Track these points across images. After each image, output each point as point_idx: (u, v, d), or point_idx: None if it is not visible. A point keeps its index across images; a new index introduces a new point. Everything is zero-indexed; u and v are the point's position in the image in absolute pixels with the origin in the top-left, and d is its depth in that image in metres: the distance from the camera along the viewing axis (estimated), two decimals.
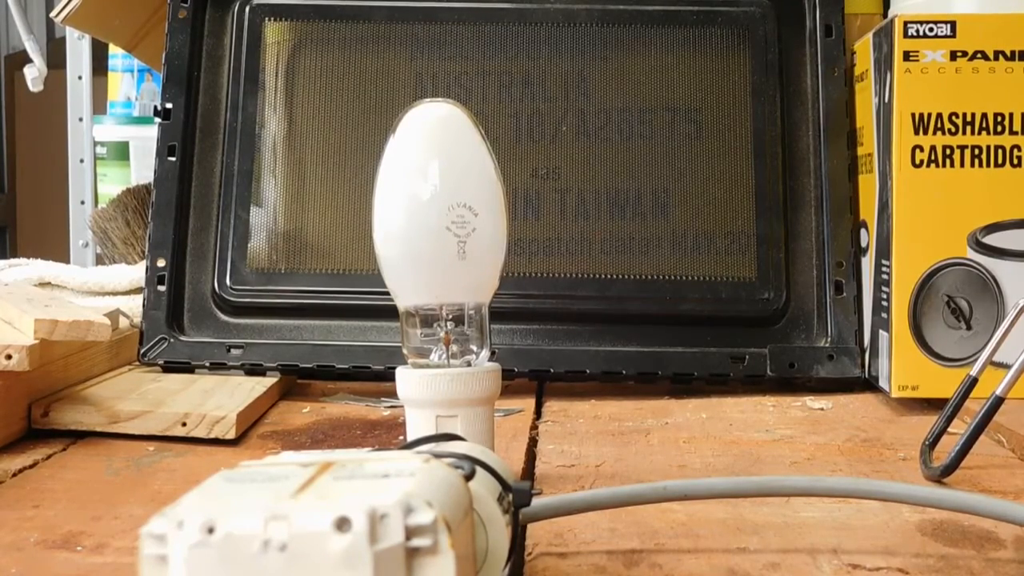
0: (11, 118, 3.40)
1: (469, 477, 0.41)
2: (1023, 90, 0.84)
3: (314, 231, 0.93)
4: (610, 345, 0.91)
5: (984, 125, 0.84)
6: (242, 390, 0.83)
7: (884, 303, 0.86)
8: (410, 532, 0.35)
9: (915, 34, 0.84)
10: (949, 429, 0.69)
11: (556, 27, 0.96)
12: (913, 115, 0.84)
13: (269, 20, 0.97)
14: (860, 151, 0.93)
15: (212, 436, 0.74)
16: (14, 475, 0.66)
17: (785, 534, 0.55)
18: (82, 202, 2.03)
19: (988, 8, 0.90)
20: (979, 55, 0.84)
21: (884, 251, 0.86)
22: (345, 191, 0.94)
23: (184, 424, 0.74)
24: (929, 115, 0.84)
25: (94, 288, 1.07)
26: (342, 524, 0.34)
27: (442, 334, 0.62)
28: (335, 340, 0.92)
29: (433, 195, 0.60)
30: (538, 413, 0.84)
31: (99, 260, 1.37)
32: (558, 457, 0.70)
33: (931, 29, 0.84)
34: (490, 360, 0.63)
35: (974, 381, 0.68)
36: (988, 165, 0.84)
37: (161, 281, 0.93)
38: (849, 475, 0.66)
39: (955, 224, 0.84)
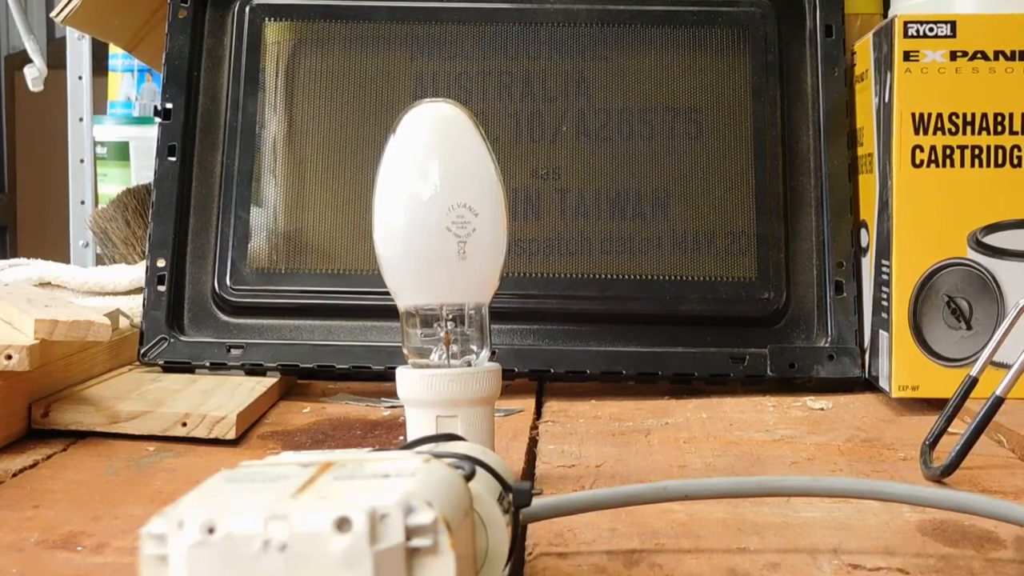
0: (11, 118, 3.40)
1: (469, 477, 0.41)
2: (1023, 90, 0.84)
3: (314, 231, 0.93)
4: (610, 345, 0.91)
5: (984, 125, 0.84)
6: (242, 390, 0.83)
7: (884, 303, 0.86)
8: (410, 532, 0.35)
9: (915, 34, 0.84)
10: (949, 429, 0.69)
11: (556, 27, 0.96)
12: (913, 115, 0.84)
13: (269, 20, 0.97)
14: (860, 151, 0.93)
15: (212, 436, 0.74)
16: (14, 475, 0.66)
17: (785, 534, 0.55)
18: (82, 202, 2.03)
19: (988, 8, 0.90)
20: (979, 55, 0.84)
21: (884, 251, 0.86)
22: (345, 191, 0.94)
23: (184, 424, 0.74)
24: (929, 115, 0.84)
25: (94, 288, 1.07)
26: (342, 524, 0.34)
27: (442, 334, 0.62)
28: (335, 340, 0.92)
29: (433, 195, 0.60)
30: (538, 413, 0.84)
31: (99, 260, 1.37)
32: (558, 457, 0.70)
33: (931, 29, 0.84)
34: (490, 360, 0.63)
35: (974, 381, 0.68)
36: (988, 165, 0.84)
37: (161, 281, 0.93)
38: (849, 475, 0.66)
39: (955, 224, 0.84)
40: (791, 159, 0.95)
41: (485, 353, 0.63)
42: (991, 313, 0.84)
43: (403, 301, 0.62)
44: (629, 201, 0.93)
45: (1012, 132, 0.84)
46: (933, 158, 0.84)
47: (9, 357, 0.69)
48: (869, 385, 0.90)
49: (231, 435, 0.74)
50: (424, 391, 0.61)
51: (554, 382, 0.92)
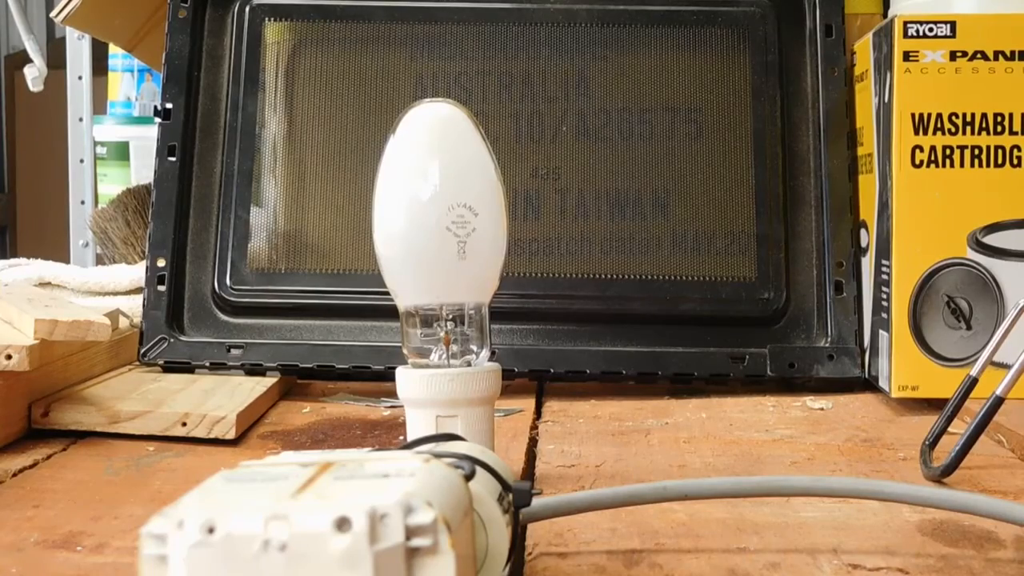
0: (11, 118, 3.40)
1: (469, 477, 0.41)
2: (1023, 90, 0.84)
3: (314, 231, 0.93)
4: (610, 345, 0.91)
5: (984, 125, 0.84)
6: (242, 390, 0.83)
7: (884, 303, 0.86)
8: (410, 532, 0.35)
9: (915, 34, 0.84)
10: (949, 429, 0.69)
11: (556, 27, 0.96)
12: (913, 115, 0.84)
13: (269, 20, 0.97)
14: (860, 151, 0.93)
15: (212, 436, 0.74)
16: (14, 475, 0.66)
17: (785, 534, 0.55)
18: (82, 202, 2.03)
19: (988, 8, 0.90)
20: (979, 55, 0.84)
21: (884, 251, 0.86)
22: (345, 191, 0.94)
23: (184, 424, 0.74)
24: (929, 115, 0.84)
25: (94, 288, 1.07)
26: (342, 524, 0.34)
27: (442, 334, 0.62)
28: (335, 340, 0.92)
29: (433, 195, 0.60)
30: (538, 413, 0.84)
31: (99, 260, 1.37)
32: (558, 457, 0.70)
33: (931, 29, 0.84)
34: (490, 360, 0.63)
35: (974, 381, 0.68)
36: (988, 165, 0.84)
37: (161, 281, 0.93)
38: (849, 475, 0.66)
39: (955, 224, 0.84)
40: (791, 159, 0.95)
41: (485, 353, 0.63)
42: (991, 313, 0.84)
43: (403, 301, 0.62)
44: (629, 201, 0.93)
45: (1012, 132, 0.84)
46: (933, 158, 0.84)
47: (9, 357, 0.69)
48: (869, 385, 0.90)
49: (231, 435, 0.74)
50: (424, 391, 0.61)
51: (554, 382, 0.92)
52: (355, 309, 0.92)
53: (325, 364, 0.90)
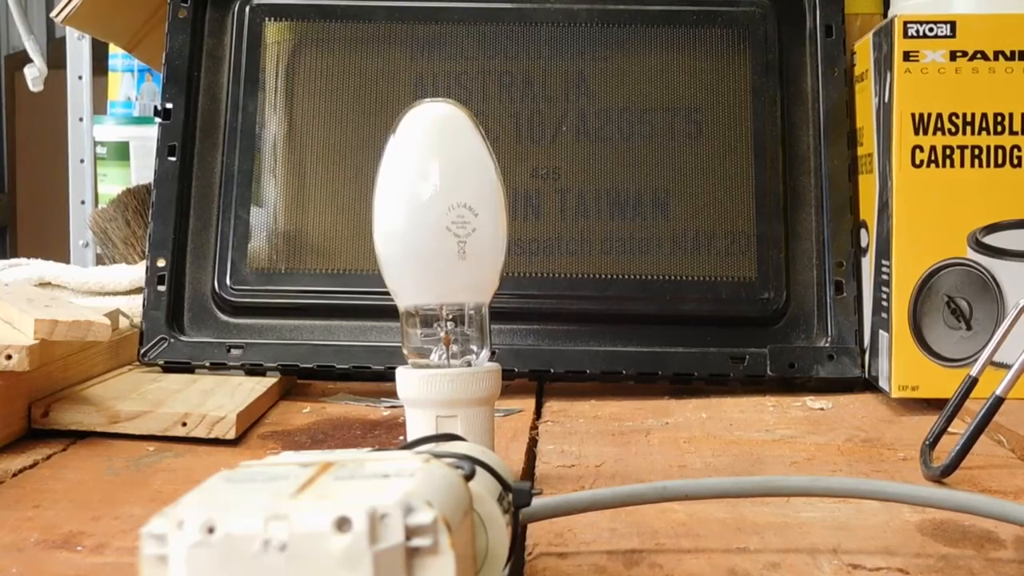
0: (11, 118, 3.40)
1: (469, 477, 0.41)
2: (1023, 90, 0.84)
3: (314, 231, 0.93)
4: (610, 345, 0.91)
5: (984, 125, 0.84)
6: (242, 390, 0.83)
7: (884, 303, 0.86)
8: (410, 532, 0.35)
9: (915, 34, 0.84)
10: (949, 429, 0.69)
11: (556, 27, 0.96)
12: (913, 115, 0.84)
13: (269, 20, 0.97)
14: (860, 151, 0.93)
15: (212, 436, 0.74)
16: (14, 475, 0.66)
17: (785, 534, 0.55)
18: (82, 202, 2.03)
19: (988, 8, 0.90)
20: (979, 55, 0.84)
21: (884, 251, 0.86)
22: (345, 191, 0.94)
23: (184, 424, 0.74)
24: (929, 115, 0.84)
25: (94, 288, 1.07)
26: (342, 524, 0.34)
27: (442, 334, 0.62)
28: (335, 340, 0.92)
29: (433, 195, 0.60)
30: (538, 413, 0.84)
31: (99, 260, 1.37)
32: (558, 457, 0.70)
33: (931, 29, 0.84)
34: (490, 360, 0.63)
35: (974, 381, 0.68)
36: (988, 165, 0.84)
37: (161, 281, 0.93)
38: (849, 475, 0.66)
39: (955, 224, 0.84)
40: (791, 159, 0.95)
41: (485, 353, 0.63)
42: (991, 313, 0.84)
43: (403, 301, 0.62)
44: (629, 201, 0.93)
45: (1012, 132, 0.84)
46: (933, 158, 0.84)
47: (9, 357, 0.69)
48: (869, 385, 0.90)
49: (231, 435, 0.74)
50: (424, 391, 0.61)
51: (554, 382, 0.92)
52: (355, 309, 0.92)
53: (325, 364, 0.90)
